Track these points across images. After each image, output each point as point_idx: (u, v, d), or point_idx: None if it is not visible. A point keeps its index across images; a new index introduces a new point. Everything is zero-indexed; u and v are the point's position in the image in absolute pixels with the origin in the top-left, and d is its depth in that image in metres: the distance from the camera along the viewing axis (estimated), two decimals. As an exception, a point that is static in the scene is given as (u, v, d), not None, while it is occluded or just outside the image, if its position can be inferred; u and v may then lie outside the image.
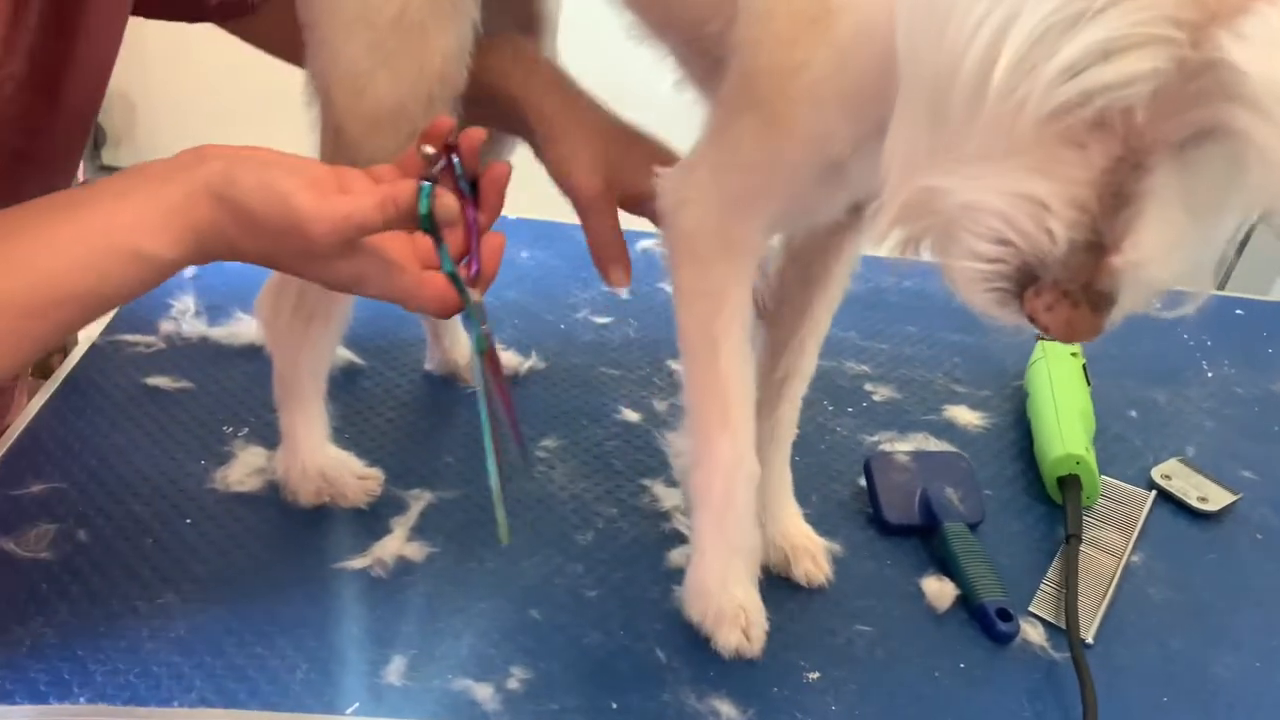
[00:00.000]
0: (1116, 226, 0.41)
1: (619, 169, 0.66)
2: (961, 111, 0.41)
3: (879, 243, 0.48)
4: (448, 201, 0.53)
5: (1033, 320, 0.43)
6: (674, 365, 0.92)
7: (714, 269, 0.61)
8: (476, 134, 0.57)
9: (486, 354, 0.57)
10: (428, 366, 0.87)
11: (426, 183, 0.53)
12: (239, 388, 0.82)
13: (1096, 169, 0.41)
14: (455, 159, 0.57)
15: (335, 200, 0.52)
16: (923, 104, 0.44)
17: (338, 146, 0.64)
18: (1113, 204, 0.41)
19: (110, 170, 1.92)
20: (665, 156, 0.66)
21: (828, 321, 0.69)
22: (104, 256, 0.51)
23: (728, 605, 0.65)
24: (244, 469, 0.74)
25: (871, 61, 0.48)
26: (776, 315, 0.69)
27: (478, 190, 0.58)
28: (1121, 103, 0.39)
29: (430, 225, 0.53)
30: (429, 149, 0.55)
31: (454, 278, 0.55)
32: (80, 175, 1.93)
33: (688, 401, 0.65)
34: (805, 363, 0.70)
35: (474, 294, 0.56)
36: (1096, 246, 0.41)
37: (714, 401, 0.63)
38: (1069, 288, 0.42)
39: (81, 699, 0.57)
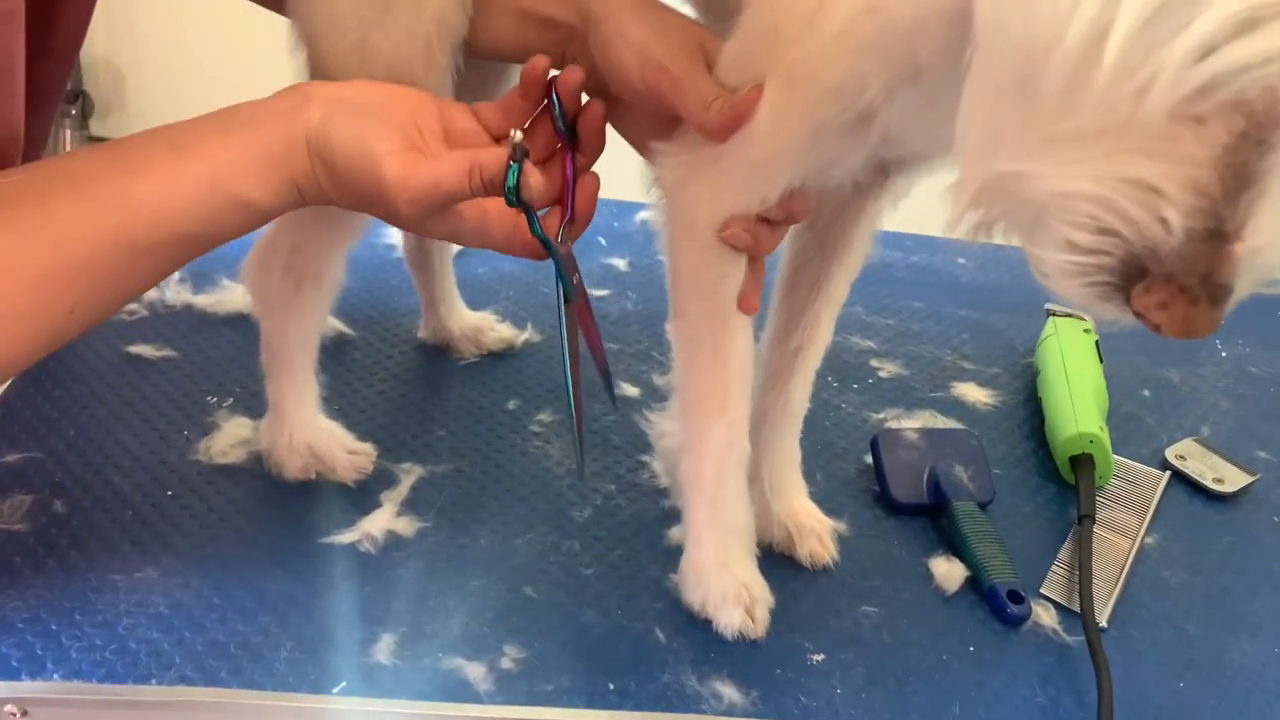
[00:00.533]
0: (1238, 211, 0.36)
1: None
2: (1057, 89, 0.36)
3: (952, 228, 0.44)
4: (534, 183, 0.52)
5: (1140, 317, 0.39)
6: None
7: (716, 249, 0.57)
8: (575, 74, 0.56)
9: (578, 303, 0.58)
10: (421, 335, 0.85)
11: (514, 164, 0.52)
12: (224, 357, 0.79)
13: (1218, 147, 0.36)
14: (556, 99, 0.56)
15: (422, 168, 0.52)
16: (1006, 77, 0.39)
17: None
18: (1234, 186, 0.36)
19: (99, 140, 1.88)
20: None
21: (845, 291, 0.66)
22: (213, 202, 0.51)
23: (730, 585, 0.63)
24: (228, 440, 0.71)
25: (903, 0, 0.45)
26: (792, 284, 0.66)
27: (576, 132, 0.57)
28: (1262, 82, 0.34)
29: (517, 200, 0.52)
30: (517, 134, 0.53)
31: (545, 242, 0.55)
32: (66, 145, 1.88)
33: (681, 383, 0.62)
34: (820, 334, 0.66)
35: (564, 246, 0.57)
36: (1216, 234, 0.37)
37: (714, 386, 0.60)
38: (1186, 282, 0.37)
39: (55, 676, 0.54)
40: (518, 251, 0.57)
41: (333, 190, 0.53)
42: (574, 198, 0.57)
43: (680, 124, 0.56)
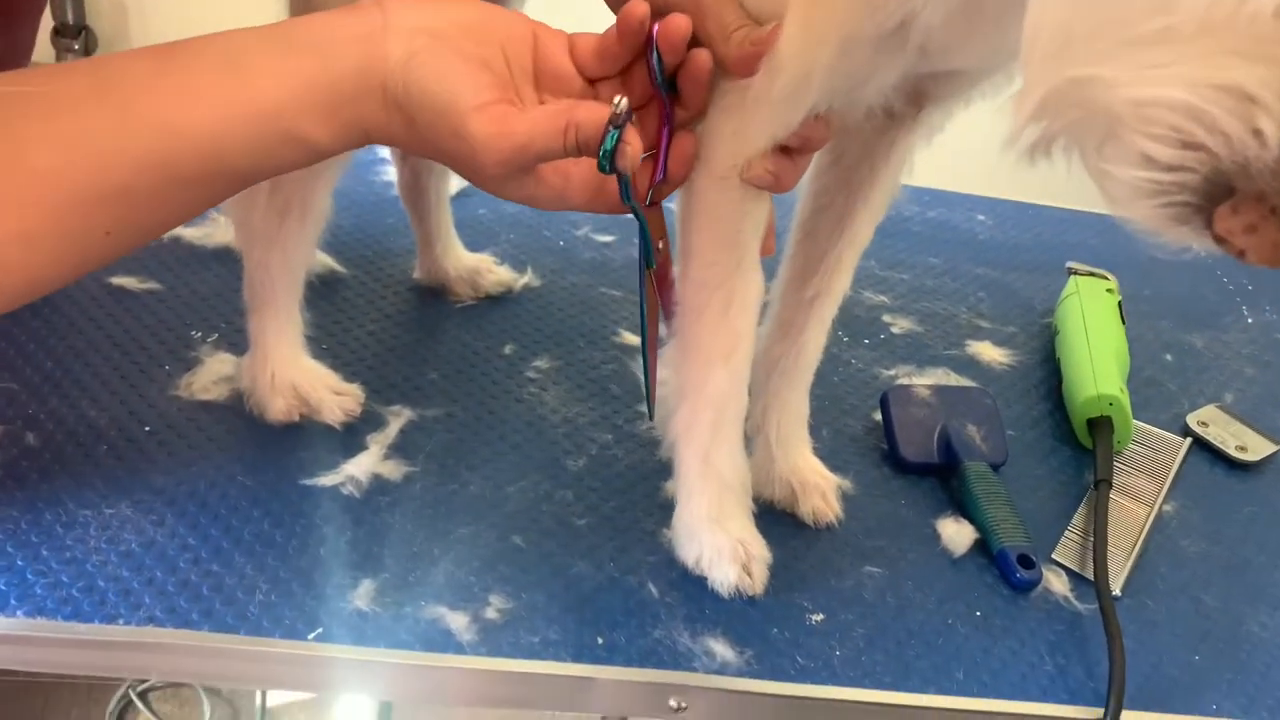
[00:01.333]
0: None
1: None
2: None
3: (1010, 144, 0.39)
4: (631, 152, 0.48)
5: (1222, 242, 0.35)
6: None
7: (737, 187, 0.53)
8: (680, 22, 0.49)
9: (656, 270, 0.55)
10: (416, 276, 0.81)
11: (615, 130, 0.48)
12: (210, 291, 0.76)
13: None
14: (656, 50, 0.50)
15: (512, 126, 0.47)
16: None
17: None
18: None
19: (101, 78, 1.84)
20: None
21: (869, 234, 0.62)
22: (268, 137, 0.47)
23: (724, 541, 0.60)
24: (210, 376, 0.68)
25: None
26: (811, 227, 0.61)
27: (675, 84, 0.52)
28: None
29: (610, 168, 0.48)
30: (622, 101, 0.48)
31: (634, 209, 0.52)
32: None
33: (684, 327, 0.58)
34: (839, 281, 0.62)
35: (653, 209, 0.54)
36: None
37: (723, 334, 0.57)
38: (1279, 203, 0.34)
39: (19, 613, 0.52)
40: (598, 210, 0.53)
41: (408, 140, 0.49)
42: (667, 156, 0.52)
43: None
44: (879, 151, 0.59)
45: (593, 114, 0.47)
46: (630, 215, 0.54)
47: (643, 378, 0.61)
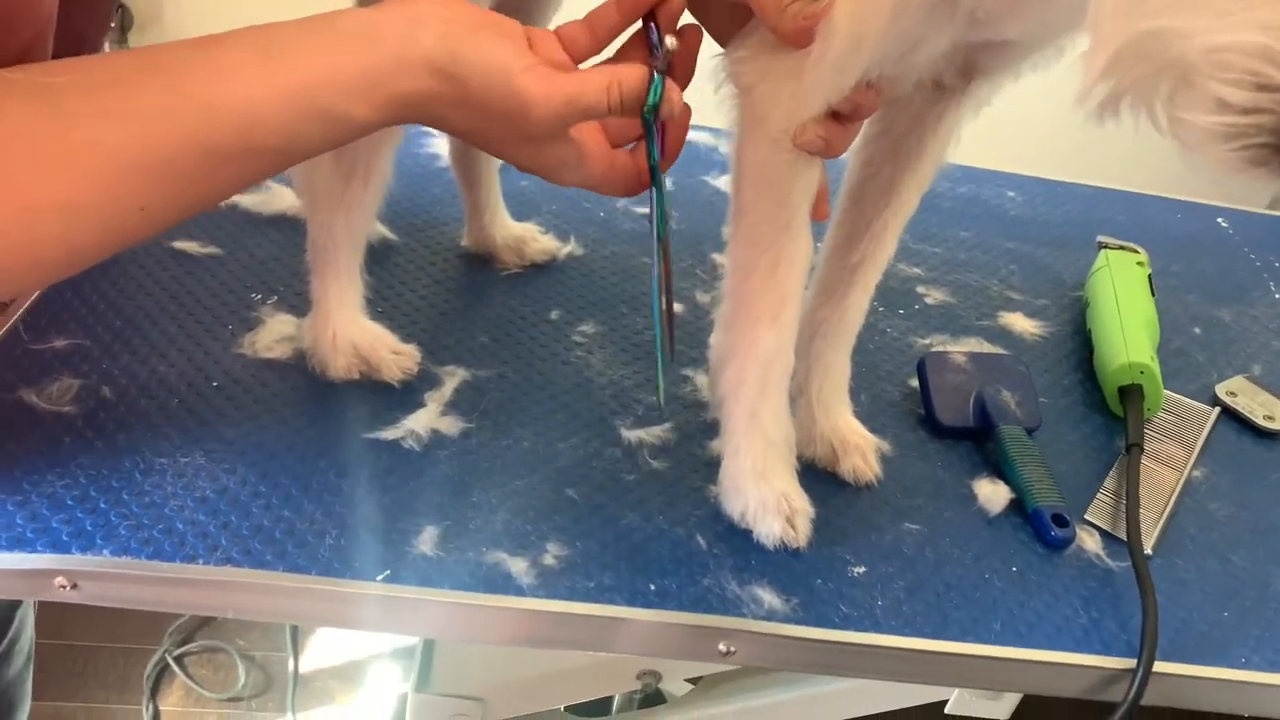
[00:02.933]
0: None
1: None
2: None
3: (1081, 101, 0.41)
4: (676, 98, 0.51)
5: None
6: (717, 258, 0.88)
7: (789, 150, 0.55)
8: (677, 2, 0.53)
9: (664, 241, 0.57)
10: (464, 243, 0.84)
11: (659, 76, 0.51)
12: (268, 256, 0.79)
13: None
14: (656, 28, 0.53)
15: (560, 82, 0.49)
16: None
17: None
18: None
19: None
20: None
21: (914, 204, 0.64)
22: (304, 116, 0.48)
23: (768, 495, 0.62)
24: (272, 336, 0.71)
25: None
26: (858, 195, 0.63)
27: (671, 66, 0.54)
28: None
29: (651, 117, 0.51)
30: (671, 40, 0.52)
31: (654, 170, 0.54)
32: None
33: (734, 288, 0.60)
34: (884, 248, 0.64)
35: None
36: None
37: (771, 293, 0.59)
38: None
39: (105, 551, 0.55)
40: (614, 188, 0.56)
41: (452, 111, 0.50)
42: (666, 132, 0.55)
43: (755, 17, 0.54)
44: (927, 123, 0.61)
45: (635, 70, 0.51)
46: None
47: (656, 354, 0.61)
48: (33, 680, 0.87)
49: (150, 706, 1.51)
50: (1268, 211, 1.17)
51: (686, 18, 0.55)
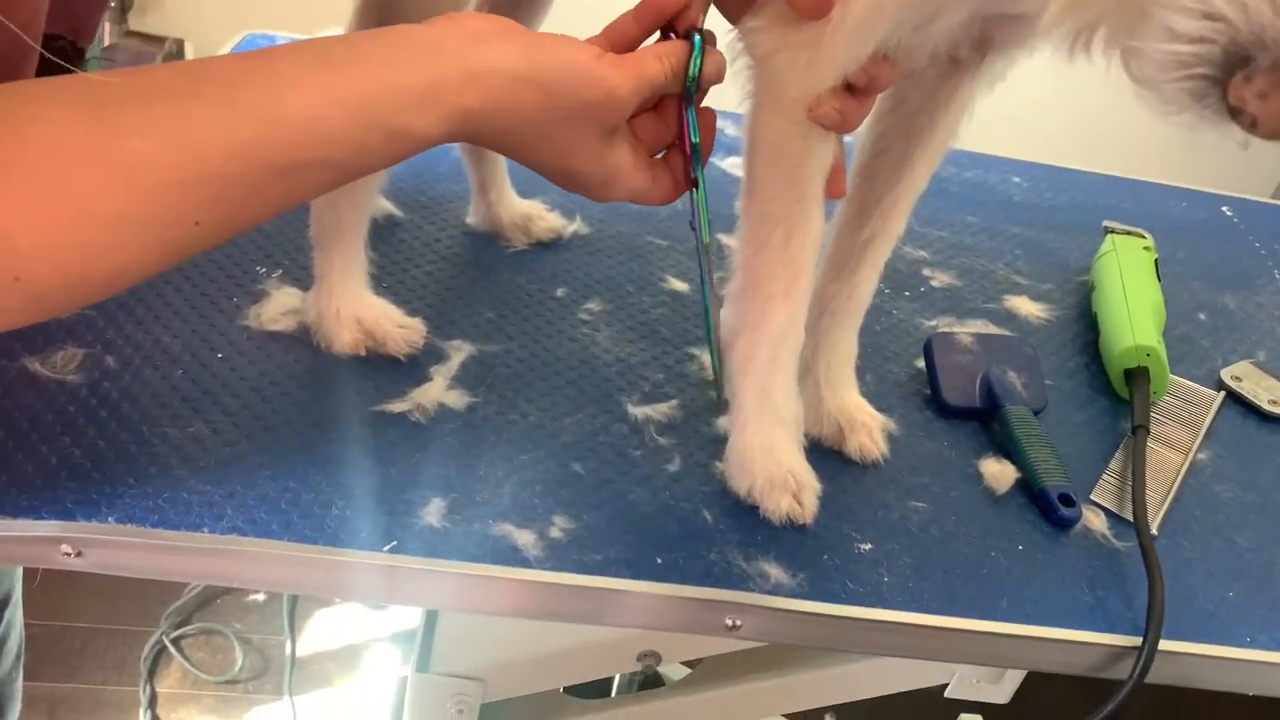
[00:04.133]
0: None
1: None
2: None
3: (1045, 36, 0.42)
4: (720, 59, 0.53)
5: (1236, 113, 0.38)
6: (725, 240, 0.87)
7: (803, 123, 0.55)
8: (697, 7, 0.54)
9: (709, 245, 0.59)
10: (470, 220, 0.83)
11: (698, 36, 0.53)
12: (273, 229, 0.78)
13: None
14: (674, 34, 0.55)
15: (628, 63, 0.52)
16: None
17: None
18: None
19: (138, 37, 1.86)
20: None
21: (926, 180, 0.63)
22: (366, 130, 0.47)
23: (776, 471, 0.62)
24: (278, 308, 0.70)
25: None
26: (869, 171, 0.63)
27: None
28: None
29: (694, 88, 0.53)
30: (698, 33, 0.53)
31: (695, 150, 0.56)
32: (106, 38, 1.85)
33: (746, 262, 0.60)
34: (894, 225, 0.64)
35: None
36: None
37: (783, 268, 0.59)
38: None
39: (110, 519, 0.55)
40: (652, 196, 0.57)
41: (527, 118, 0.50)
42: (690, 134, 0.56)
43: None
44: (940, 99, 0.60)
45: (675, 45, 0.53)
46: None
47: (710, 358, 0.64)
48: (30, 661, 0.87)
49: (147, 688, 1.50)
50: (1273, 201, 1.17)
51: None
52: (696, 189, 0.57)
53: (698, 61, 0.52)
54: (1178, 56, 0.38)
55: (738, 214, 0.61)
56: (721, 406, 0.64)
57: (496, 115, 0.50)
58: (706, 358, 0.74)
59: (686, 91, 0.54)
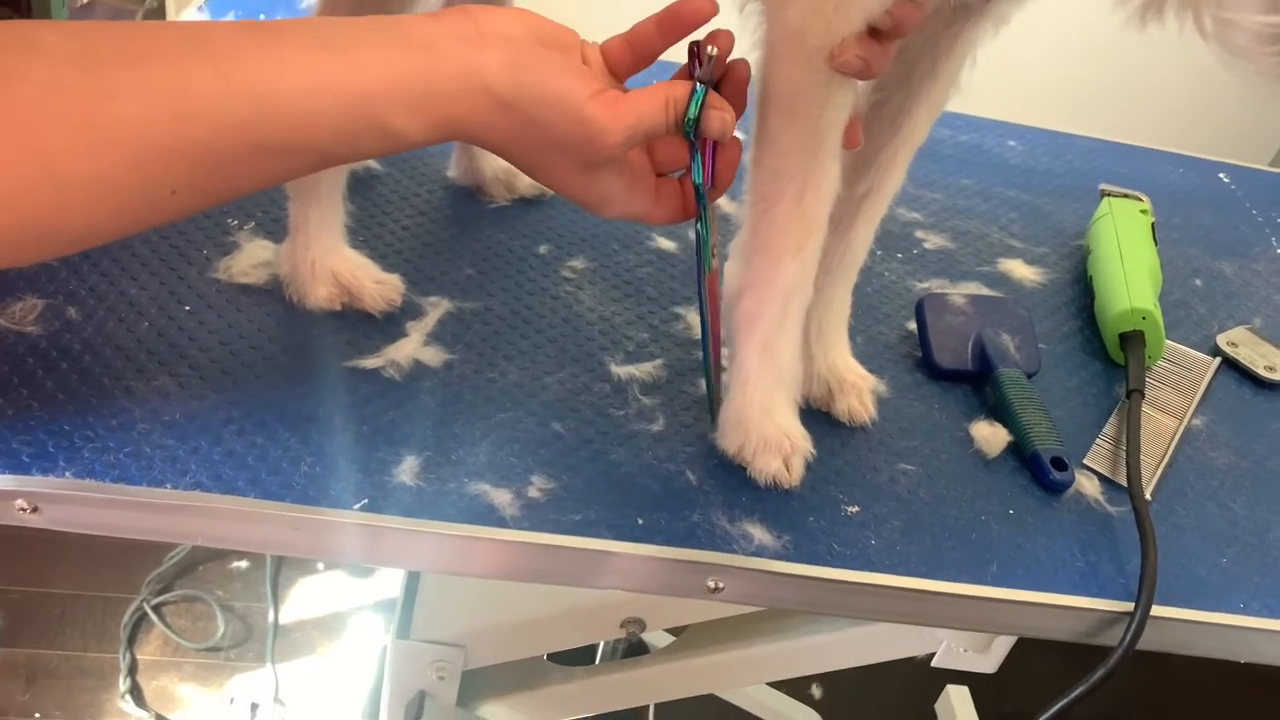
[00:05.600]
0: None
1: None
2: None
3: (1122, 4, 0.40)
4: (725, 117, 0.51)
5: None
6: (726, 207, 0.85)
7: (824, 70, 0.52)
8: (727, 38, 0.51)
9: (710, 274, 0.57)
10: (451, 174, 0.81)
11: (700, 86, 0.50)
12: (246, 181, 0.76)
13: None
14: (696, 46, 0.52)
15: (623, 107, 0.49)
16: None
17: None
18: None
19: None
20: None
21: (925, 132, 0.60)
22: (355, 121, 0.46)
23: (771, 432, 0.60)
24: (249, 260, 0.68)
25: None
26: (868, 121, 0.60)
27: (720, 93, 0.53)
28: None
29: (694, 131, 0.50)
30: (712, 48, 0.50)
31: (699, 189, 0.53)
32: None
33: (757, 220, 0.57)
34: (892, 180, 0.61)
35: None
36: None
37: (797, 223, 0.56)
38: None
39: (67, 473, 0.52)
40: (656, 217, 0.55)
41: (510, 139, 0.49)
42: (715, 161, 0.53)
43: None
44: (942, 45, 0.58)
45: (686, 88, 0.50)
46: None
47: (705, 383, 0.63)
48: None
49: (127, 655, 1.49)
50: (1271, 169, 1.15)
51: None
52: (701, 225, 0.55)
53: (696, 107, 0.50)
54: (1274, 29, 0.36)
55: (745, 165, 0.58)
56: (715, 420, 0.62)
57: (481, 129, 0.49)
58: (693, 316, 0.72)
59: (686, 138, 0.52)
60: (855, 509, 0.61)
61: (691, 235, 0.79)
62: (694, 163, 0.53)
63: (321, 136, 0.46)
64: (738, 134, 0.53)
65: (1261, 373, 0.78)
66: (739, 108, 0.53)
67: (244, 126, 0.45)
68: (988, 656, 0.79)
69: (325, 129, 0.46)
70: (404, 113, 0.47)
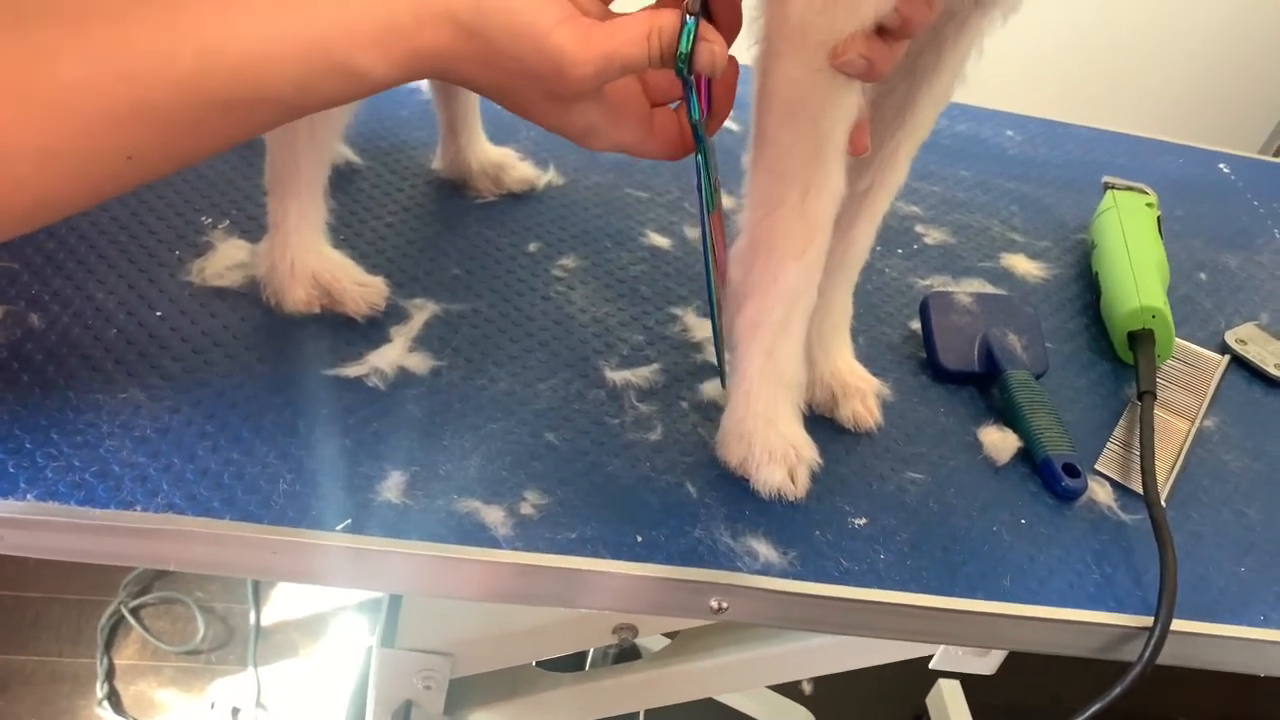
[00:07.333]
0: None
1: None
2: None
3: None
4: (716, 50, 0.45)
5: None
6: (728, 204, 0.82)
7: (826, 69, 0.48)
8: None
9: (714, 215, 0.53)
10: (436, 167, 0.77)
11: (690, 18, 0.45)
12: (220, 176, 0.72)
13: None
14: None
15: (596, 37, 0.44)
16: None
17: None
18: None
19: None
20: None
21: (929, 126, 0.58)
22: (314, 66, 0.43)
23: (775, 442, 0.57)
24: (224, 262, 0.64)
25: None
26: (870, 114, 0.56)
27: (710, 11, 0.48)
28: None
29: (686, 67, 0.45)
30: (694, 14, 0.46)
31: (697, 128, 0.49)
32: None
33: (756, 224, 0.54)
34: (895, 175, 0.58)
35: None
36: None
37: (799, 226, 0.53)
38: None
39: (29, 496, 0.49)
40: (653, 152, 0.51)
41: (477, 69, 0.45)
42: (711, 86, 0.49)
43: None
44: (947, 35, 0.55)
45: (674, 18, 0.45)
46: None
47: (713, 337, 0.60)
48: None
49: (104, 660, 1.45)
50: (1271, 159, 1.13)
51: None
52: (701, 161, 0.51)
53: (688, 41, 0.45)
54: None
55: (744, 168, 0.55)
56: (725, 382, 0.59)
57: (447, 60, 0.45)
58: (690, 318, 0.69)
59: (678, 73, 0.47)
60: (863, 521, 0.58)
61: (688, 233, 0.77)
62: (690, 99, 0.49)
63: (280, 87, 0.43)
64: (732, 54, 0.49)
65: (1272, 371, 0.76)
66: (735, 26, 0.49)
67: (197, 83, 0.42)
68: (987, 660, 0.77)
69: (284, 78, 0.43)
70: (365, 50, 0.43)
